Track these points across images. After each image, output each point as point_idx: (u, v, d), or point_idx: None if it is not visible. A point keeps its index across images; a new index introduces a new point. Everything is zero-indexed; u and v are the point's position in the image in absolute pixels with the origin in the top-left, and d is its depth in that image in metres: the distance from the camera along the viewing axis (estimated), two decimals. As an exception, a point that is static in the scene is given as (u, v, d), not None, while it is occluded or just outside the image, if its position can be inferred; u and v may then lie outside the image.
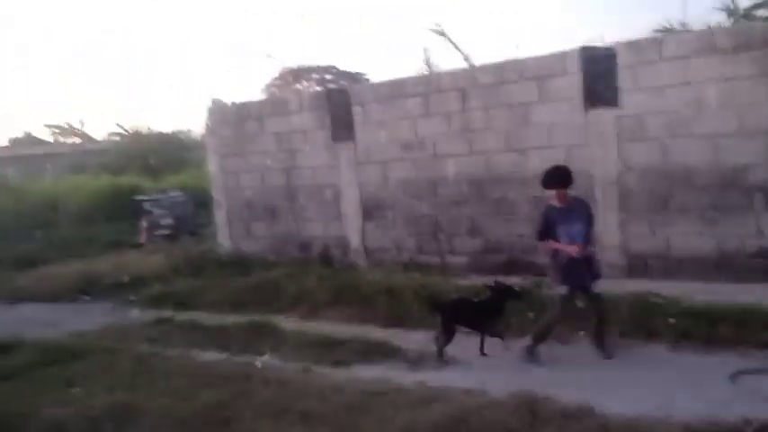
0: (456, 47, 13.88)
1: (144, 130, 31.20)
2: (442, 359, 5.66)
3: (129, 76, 67.23)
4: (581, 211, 5.41)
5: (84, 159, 28.98)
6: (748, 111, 6.62)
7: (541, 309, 5.81)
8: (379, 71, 52.24)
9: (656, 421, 3.96)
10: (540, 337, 5.45)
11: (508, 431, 3.94)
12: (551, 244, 5.38)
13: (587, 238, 5.35)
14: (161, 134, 31.37)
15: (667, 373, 4.94)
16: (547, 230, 5.37)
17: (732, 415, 3.99)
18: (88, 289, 10.10)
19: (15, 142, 41.95)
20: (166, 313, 8.28)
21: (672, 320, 5.72)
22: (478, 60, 13.46)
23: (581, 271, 5.30)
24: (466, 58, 13.56)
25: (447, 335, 5.67)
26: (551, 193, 5.38)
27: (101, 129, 67.95)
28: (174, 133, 33.14)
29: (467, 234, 8.58)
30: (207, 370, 5.92)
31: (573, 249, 5.22)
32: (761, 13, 14.26)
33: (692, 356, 5.21)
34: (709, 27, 8.82)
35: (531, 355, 5.45)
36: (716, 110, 6.77)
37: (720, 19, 12.12)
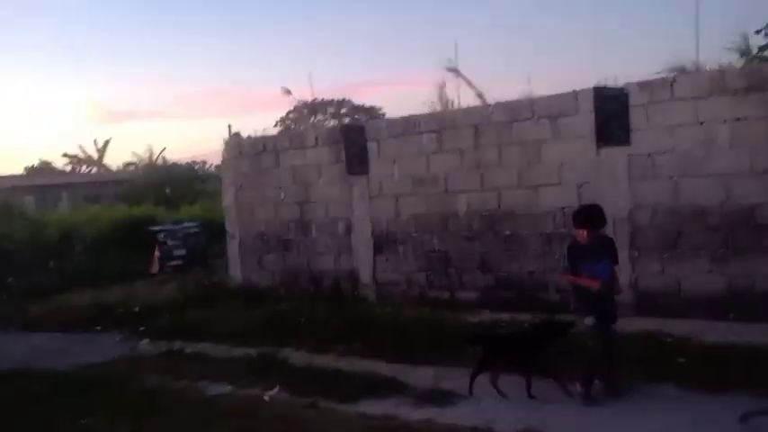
0: (469, 83, 14.08)
1: (160, 161, 31.71)
2: (470, 392, 5.58)
3: (150, 107, 68.48)
4: (605, 249, 5.38)
5: (99, 189, 29.45)
6: (759, 151, 6.65)
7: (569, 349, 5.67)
8: (393, 106, 52.83)
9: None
10: (589, 376, 5.31)
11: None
12: (575, 279, 5.35)
13: (611, 276, 5.35)
14: (176, 165, 31.86)
15: (676, 413, 4.86)
16: (572, 267, 5.38)
17: (743, 458, 3.93)
18: (99, 319, 10.14)
19: (31, 171, 42.70)
20: (176, 345, 8.30)
21: (682, 360, 5.67)
22: (492, 96, 13.60)
23: (604, 308, 5.27)
24: (479, 95, 13.73)
25: (480, 367, 5.61)
26: (579, 231, 5.36)
27: (117, 158, 69.16)
28: (189, 164, 33.65)
29: (477, 270, 8.59)
30: (215, 403, 5.93)
31: (594, 285, 5.21)
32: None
33: (701, 397, 5.13)
34: (721, 68, 8.90)
35: (588, 397, 5.26)
36: (727, 150, 6.81)
37: (732, 59, 12.22)
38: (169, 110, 69.24)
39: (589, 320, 5.25)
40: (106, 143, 41.61)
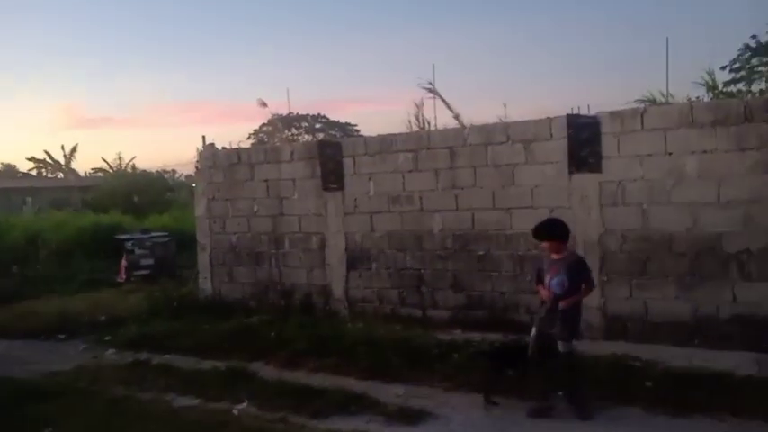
0: (446, 104, 14.24)
1: (129, 169, 31.25)
2: (488, 403, 5.67)
3: (120, 113, 67.49)
4: (568, 266, 5.51)
5: (65, 195, 28.86)
6: (725, 182, 6.89)
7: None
8: (369, 124, 53.15)
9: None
10: (579, 392, 5.47)
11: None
12: (538, 288, 5.58)
13: (564, 292, 5.42)
14: (146, 173, 31.45)
15: (644, 436, 4.98)
16: (538, 279, 5.60)
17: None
18: (63, 327, 9.90)
19: (-5, 174, 41.66)
20: (143, 355, 8.16)
21: (648, 383, 5.79)
22: (468, 118, 13.82)
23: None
24: (456, 116, 13.89)
25: (491, 378, 5.72)
26: (543, 245, 5.61)
27: (85, 164, 67.84)
28: (159, 173, 33.26)
29: (450, 288, 8.66)
30: (182, 415, 5.84)
31: (545, 294, 5.44)
32: (733, 89, 14.93)
33: (665, 420, 5.26)
34: (689, 101, 9.21)
35: (585, 412, 5.39)
36: (695, 180, 7.04)
37: (700, 93, 12.67)
38: (141, 118, 68.45)
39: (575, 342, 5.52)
40: (74, 148, 40.88)
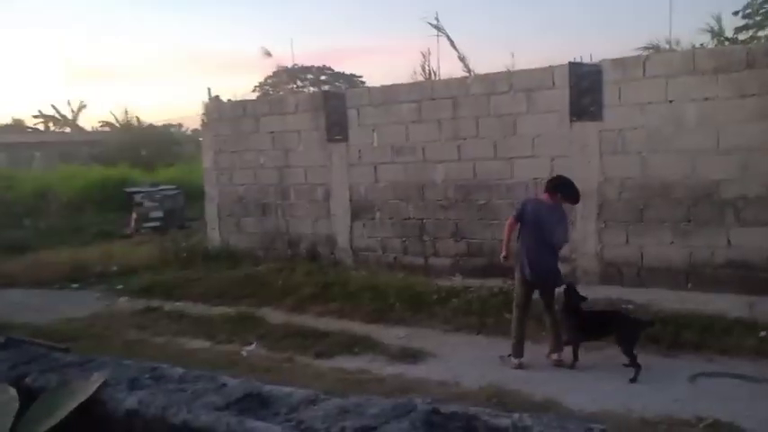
0: (453, 45, 14.07)
1: (136, 122, 31.26)
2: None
3: (125, 67, 66.98)
4: (555, 217, 5.69)
5: (73, 149, 29.02)
6: (725, 130, 6.95)
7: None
8: (374, 75, 52.52)
9: (617, 415, 4.23)
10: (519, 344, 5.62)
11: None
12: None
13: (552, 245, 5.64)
14: (153, 127, 31.46)
15: (633, 373, 5.20)
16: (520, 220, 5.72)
17: (687, 412, 4.28)
18: (76, 277, 10.22)
19: (3, 129, 41.69)
20: (155, 302, 8.46)
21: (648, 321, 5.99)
22: (474, 67, 13.72)
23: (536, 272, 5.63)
24: (461, 58, 13.77)
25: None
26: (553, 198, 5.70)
27: (92, 119, 67.75)
28: (166, 126, 33.26)
29: (451, 237, 8.85)
30: (193, 356, 6.13)
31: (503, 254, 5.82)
32: (743, 35, 14.71)
33: (657, 359, 5.49)
34: (692, 48, 9.15)
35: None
36: (694, 128, 7.09)
37: (705, 39, 12.52)
38: (146, 70, 67.82)
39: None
40: (81, 105, 40.80)
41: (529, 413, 1.07)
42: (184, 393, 1.08)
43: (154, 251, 11.17)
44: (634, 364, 5.02)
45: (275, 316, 7.56)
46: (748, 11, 18.25)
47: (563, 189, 5.71)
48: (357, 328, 6.90)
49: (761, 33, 16.78)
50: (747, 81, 6.79)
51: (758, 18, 18.06)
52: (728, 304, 6.34)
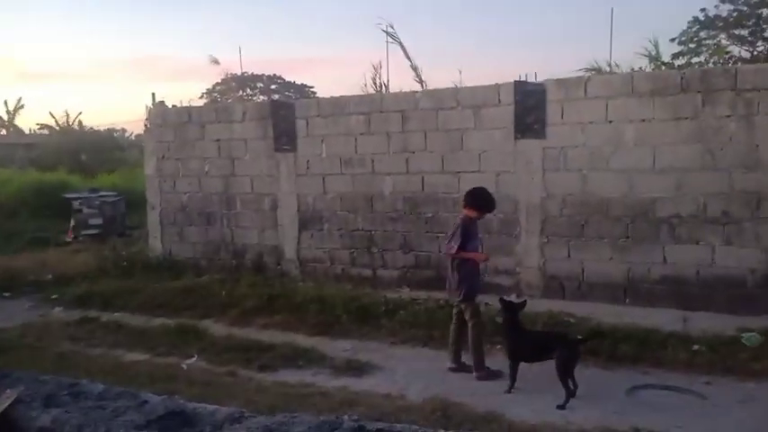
0: (406, 53, 14.11)
1: (77, 126, 30.22)
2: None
3: (68, 69, 64.82)
4: (477, 229, 5.89)
5: (9, 152, 27.78)
6: (660, 150, 7.23)
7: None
8: (326, 84, 52.48)
9: (557, 427, 4.31)
10: (480, 354, 5.64)
11: (422, 433, 4.17)
12: (466, 254, 5.67)
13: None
14: (95, 131, 30.48)
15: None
16: (465, 242, 5.66)
17: (624, 423, 4.39)
18: (8, 285, 9.75)
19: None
20: (91, 313, 8.16)
21: (580, 338, 6.14)
22: (424, 77, 13.78)
23: (479, 281, 5.81)
24: (414, 68, 13.84)
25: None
26: (468, 212, 5.76)
27: (29, 121, 64.93)
28: (108, 131, 32.30)
29: (399, 249, 8.88)
30: (131, 369, 5.93)
31: (481, 257, 5.76)
32: (679, 61, 15.42)
33: (595, 371, 5.62)
34: (631, 71, 9.49)
35: (484, 372, 5.60)
36: (632, 147, 7.36)
37: (643, 63, 13.04)
38: (89, 74, 65.71)
39: (479, 299, 5.78)
40: (18, 105, 39.17)
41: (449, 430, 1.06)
42: (103, 411, 1.02)
43: (92, 260, 10.77)
44: (567, 389, 4.92)
45: (218, 328, 7.40)
46: (683, 38, 19.18)
47: (476, 201, 5.75)
48: (302, 340, 6.81)
49: (695, 60, 17.64)
50: (682, 104, 7.10)
51: (692, 45, 19.00)
52: (663, 319, 6.58)
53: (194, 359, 6.32)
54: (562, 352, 5.01)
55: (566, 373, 4.95)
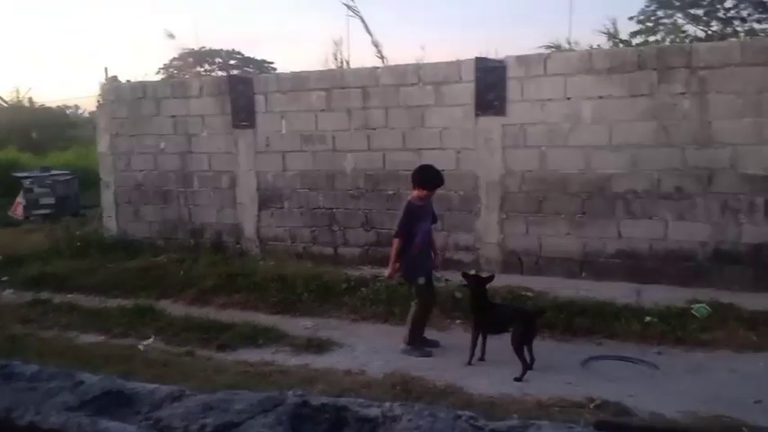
0: (367, 29, 13.93)
1: (26, 103, 29.06)
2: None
3: (12, 43, 62.06)
4: (430, 210, 5.82)
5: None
6: (617, 127, 7.35)
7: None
8: (286, 59, 51.57)
9: (514, 398, 4.40)
10: (414, 332, 5.71)
11: (382, 407, 4.20)
12: (393, 253, 5.67)
13: (431, 236, 5.80)
14: (46, 108, 29.38)
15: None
16: (410, 226, 5.63)
17: (579, 394, 4.51)
18: (-46, 267, 9.40)
19: None
20: (44, 295, 7.93)
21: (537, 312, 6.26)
22: (385, 52, 13.65)
23: (428, 263, 5.75)
24: (375, 43, 13.70)
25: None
26: (418, 192, 5.68)
27: (-25, 98, 62.08)
28: (61, 108, 31.19)
29: (360, 227, 8.86)
30: (85, 351, 5.80)
31: (388, 273, 5.71)
32: (636, 40, 15.67)
33: (552, 344, 5.75)
34: (589, 48, 9.61)
35: (414, 346, 5.68)
36: (589, 124, 7.46)
37: (602, 41, 13.23)
38: (42, 49, 63.13)
39: (421, 280, 5.69)
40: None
41: (400, 402, 1.06)
42: (35, 393, 0.98)
43: (44, 240, 10.44)
44: (523, 361, 5.01)
45: (175, 308, 7.28)
46: (641, 17, 19.50)
47: (420, 179, 5.68)
48: (263, 319, 6.77)
49: (652, 38, 17.96)
50: (638, 81, 7.21)
51: (650, 24, 19.33)
52: (618, 292, 6.73)
53: (151, 340, 6.22)
54: (518, 325, 5.09)
55: (521, 346, 5.03)
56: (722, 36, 17.39)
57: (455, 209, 8.17)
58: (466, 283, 5.50)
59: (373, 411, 0.99)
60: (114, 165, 10.39)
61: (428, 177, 5.70)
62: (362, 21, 13.62)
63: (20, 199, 13.91)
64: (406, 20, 46.87)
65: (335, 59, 14.58)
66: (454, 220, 8.20)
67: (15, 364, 1.10)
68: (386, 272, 5.79)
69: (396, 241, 5.66)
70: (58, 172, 14.99)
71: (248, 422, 0.92)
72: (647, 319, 6.04)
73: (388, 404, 1.01)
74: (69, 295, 8.00)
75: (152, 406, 0.93)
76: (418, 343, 5.69)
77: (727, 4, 19.24)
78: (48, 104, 29.61)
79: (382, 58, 13.39)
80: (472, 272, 5.97)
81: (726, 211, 6.98)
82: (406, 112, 8.41)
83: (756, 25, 18.54)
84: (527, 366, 5.00)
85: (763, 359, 5.23)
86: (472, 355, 5.32)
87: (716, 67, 6.88)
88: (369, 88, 8.60)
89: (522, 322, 5.14)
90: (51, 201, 13.85)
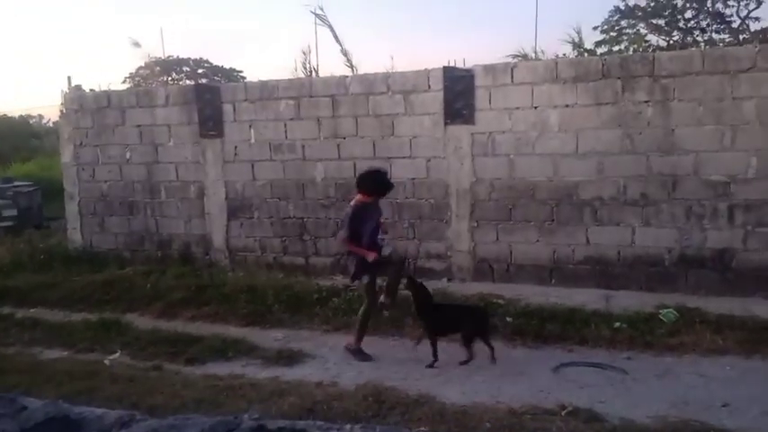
0: (336, 37, 13.92)
1: (-13, 113, 28.32)
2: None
3: (-29, 53, 60.46)
4: (377, 212, 5.92)
5: None
6: (583, 135, 7.44)
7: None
8: (254, 68, 51.23)
9: (486, 407, 4.39)
10: (362, 330, 5.78)
11: (355, 419, 4.16)
12: (356, 249, 5.69)
13: (376, 233, 5.83)
14: (7, 117, 28.69)
15: (501, 365, 5.42)
16: (358, 227, 5.68)
17: (551, 401, 4.52)
18: None
19: None
20: (5, 310, 7.70)
21: (509, 319, 6.31)
22: (355, 61, 13.67)
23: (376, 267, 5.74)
24: (344, 52, 13.70)
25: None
26: (359, 196, 5.80)
27: (-66, 108, 60.20)
28: (23, 118, 30.49)
29: (332, 236, 8.78)
30: (49, 368, 5.62)
31: (371, 255, 5.63)
32: (601, 49, 15.98)
33: (523, 351, 5.77)
34: (555, 57, 9.73)
35: (356, 349, 5.76)
36: (556, 132, 7.54)
37: (567, 50, 13.44)
38: (3, 57, 61.64)
39: (365, 279, 5.73)
40: None
41: (361, 424, 1.03)
42: (-27, 421, 0.92)
43: (5, 253, 10.16)
44: (469, 352, 5.39)
45: (142, 321, 7.12)
46: (605, 27, 19.89)
47: (365, 185, 5.78)
48: (232, 331, 6.66)
49: (616, 48, 18.32)
50: (603, 90, 7.32)
51: (614, 34, 19.73)
52: (587, 298, 6.82)
53: (117, 354, 6.08)
54: (468, 323, 5.45)
55: (471, 341, 5.40)
56: (683, 45, 17.83)
57: (426, 217, 8.17)
58: (408, 287, 5.65)
59: (332, 435, 0.96)
60: (78, 175, 10.16)
61: (375, 183, 5.80)
62: (332, 30, 13.63)
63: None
64: (373, 28, 47.08)
65: (304, 68, 14.53)
66: (425, 228, 8.20)
67: (-46, 389, 1.03)
68: (369, 257, 5.64)
69: (343, 240, 5.73)
70: (21, 183, 14.62)
71: (199, 450, 0.87)
72: (617, 324, 6.10)
73: (348, 426, 0.97)
74: (32, 309, 7.78)
75: (100, 432, 0.88)
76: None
77: (688, 15, 19.76)
78: (9, 114, 28.96)
79: (351, 66, 13.40)
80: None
81: (690, 216, 7.12)
82: (376, 121, 8.40)
83: (715, 35, 19.06)
84: (470, 358, 5.38)
85: (730, 362, 5.32)
86: (435, 358, 5.46)
87: (678, 75, 7.03)
88: (338, 97, 8.57)
89: (471, 321, 5.50)
90: (14, 213, 13.49)
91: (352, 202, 5.85)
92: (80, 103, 10.09)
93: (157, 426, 0.91)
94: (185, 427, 0.91)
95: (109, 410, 0.96)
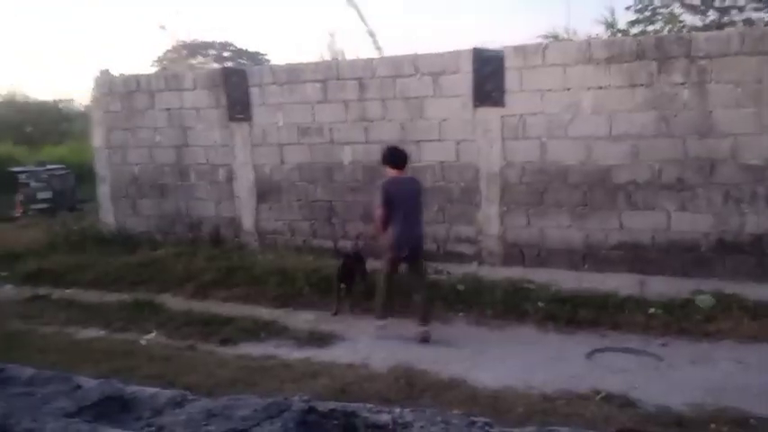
0: (362, 18, 13.87)
1: (21, 97, 28.84)
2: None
3: (10, 44, 61.61)
4: (412, 186, 5.99)
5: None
6: (617, 117, 7.28)
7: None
8: (281, 51, 51.21)
9: (519, 392, 4.36)
10: (378, 298, 5.94)
11: (386, 401, 4.16)
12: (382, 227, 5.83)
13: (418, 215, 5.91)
14: (40, 102, 29.17)
15: (533, 350, 5.39)
16: (389, 204, 5.76)
17: (584, 386, 4.47)
18: (-48, 263, 9.32)
19: None
20: (42, 290, 7.88)
21: (541, 304, 6.24)
22: (383, 43, 13.61)
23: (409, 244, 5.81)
24: (371, 33, 13.62)
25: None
26: (391, 171, 5.96)
27: (-30, 93, 61.55)
28: (55, 102, 30.98)
29: (360, 219, 8.78)
30: (87, 347, 5.75)
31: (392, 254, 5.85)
32: (635, 29, 15.58)
33: (556, 336, 5.72)
34: (588, 38, 9.51)
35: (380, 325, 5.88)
36: (589, 115, 7.39)
37: (600, 31, 13.12)
38: (37, 44, 62.64)
39: (404, 252, 5.84)
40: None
41: (411, 408, 1.01)
42: (32, 398, 0.92)
43: (41, 235, 10.38)
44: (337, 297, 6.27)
45: (175, 302, 7.23)
46: (639, 6, 19.36)
47: (392, 159, 5.99)
48: (263, 313, 6.72)
49: (650, 28, 17.84)
50: (637, 71, 7.13)
51: (647, 13, 19.20)
52: (621, 283, 6.70)
53: (153, 334, 6.18)
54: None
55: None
56: (719, 25, 17.29)
57: (455, 201, 8.11)
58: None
59: (384, 417, 0.94)
60: (110, 159, 10.31)
61: (392, 155, 6.05)
62: (358, 11, 13.55)
63: (19, 196, 13.81)
64: (401, 10, 46.62)
65: (331, 51, 14.50)
66: (455, 211, 8.14)
67: (11, 367, 1.05)
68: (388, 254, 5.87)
69: (378, 217, 5.88)
70: (54, 166, 14.90)
71: (253, 430, 0.86)
72: (651, 310, 6.01)
73: (398, 410, 0.95)
74: (68, 290, 7.95)
75: (153, 411, 0.88)
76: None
77: (725, -7, 19.11)
78: (42, 99, 29.44)
79: (378, 48, 13.31)
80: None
81: (728, 201, 6.93)
82: (404, 104, 8.33)
83: (754, 14, 18.42)
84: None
85: None
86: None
87: (715, 56, 6.81)
88: (365, 80, 8.51)
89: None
90: (48, 195, 13.79)
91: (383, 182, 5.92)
92: (110, 86, 10.20)
93: (211, 406, 0.91)
94: (238, 407, 0.90)
95: (162, 390, 0.96)
